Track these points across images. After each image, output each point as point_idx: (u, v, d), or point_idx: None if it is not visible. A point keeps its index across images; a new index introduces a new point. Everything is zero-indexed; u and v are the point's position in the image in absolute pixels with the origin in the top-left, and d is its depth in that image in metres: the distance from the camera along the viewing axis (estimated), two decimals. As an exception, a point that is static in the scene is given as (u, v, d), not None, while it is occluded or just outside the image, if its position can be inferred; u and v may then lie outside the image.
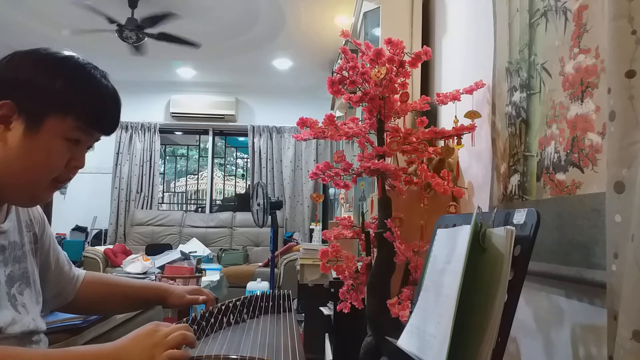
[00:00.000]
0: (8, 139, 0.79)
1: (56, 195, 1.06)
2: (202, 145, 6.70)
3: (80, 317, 1.35)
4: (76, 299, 1.09)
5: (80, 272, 1.13)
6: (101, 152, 5.60)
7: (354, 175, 1.05)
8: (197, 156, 7.13)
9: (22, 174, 0.80)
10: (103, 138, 0.91)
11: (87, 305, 1.13)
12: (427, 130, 1.06)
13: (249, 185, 6.68)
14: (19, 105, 0.79)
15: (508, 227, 0.62)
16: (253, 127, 6.15)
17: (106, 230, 5.91)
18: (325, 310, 1.70)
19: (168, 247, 5.04)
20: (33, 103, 0.80)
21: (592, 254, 0.69)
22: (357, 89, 1.06)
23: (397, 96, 1.06)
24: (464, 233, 0.66)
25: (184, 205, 7.16)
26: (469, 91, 1.10)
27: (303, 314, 2.76)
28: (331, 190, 4.95)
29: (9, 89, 0.79)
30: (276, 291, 1.26)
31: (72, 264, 1.12)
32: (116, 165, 5.99)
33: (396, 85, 1.03)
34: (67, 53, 0.87)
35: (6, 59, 0.83)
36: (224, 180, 6.96)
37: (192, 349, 0.81)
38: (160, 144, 6.22)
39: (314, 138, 1.05)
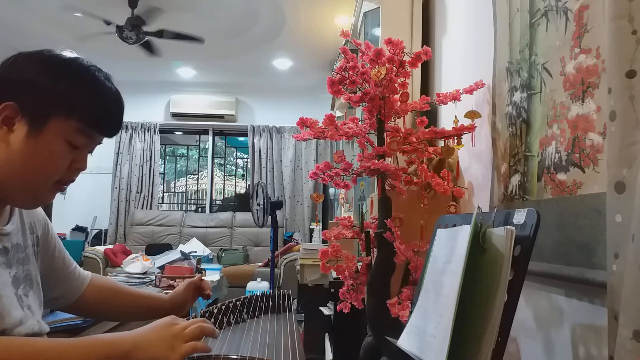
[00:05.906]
0: (11, 140, 0.79)
1: (56, 195, 1.06)
2: (202, 145, 6.69)
3: (80, 317, 1.35)
4: (82, 300, 1.08)
5: (85, 272, 1.11)
6: (101, 152, 5.59)
7: (354, 175, 1.05)
8: (197, 156, 7.12)
9: (25, 176, 0.80)
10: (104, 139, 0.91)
11: (93, 307, 1.11)
12: (427, 130, 1.06)
13: (249, 185, 6.68)
14: (22, 107, 0.79)
15: (508, 227, 0.62)
16: (253, 127, 6.15)
17: (106, 230, 5.91)
18: (325, 310, 1.70)
19: (168, 247, 5.03)
20: (36, 104, 0.79)
21: (593, 254, 0.69)
22: (357, 89, 1.06)
23: (397, 96, 1.06)
24: (464, 233, 0.66)
25: (184, 205, 7.15)
26: (469, 91, 1.10)
27: (303, 314, 2.76)
28: (331, 190, 4.95)
29: (12, 90, 0.79)
30: (276, 291, 1.26)
31: (77, 265, 1.11)
32: (116, 165, 5.98)
33: (396, 85, 1.03)
34: (71, 55, 0.87)
35: (10, 60, 0.82)
36: (224, 180, 6.95)
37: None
38: (160, 144, 6.21)
39: (314, 138, 1.05)
